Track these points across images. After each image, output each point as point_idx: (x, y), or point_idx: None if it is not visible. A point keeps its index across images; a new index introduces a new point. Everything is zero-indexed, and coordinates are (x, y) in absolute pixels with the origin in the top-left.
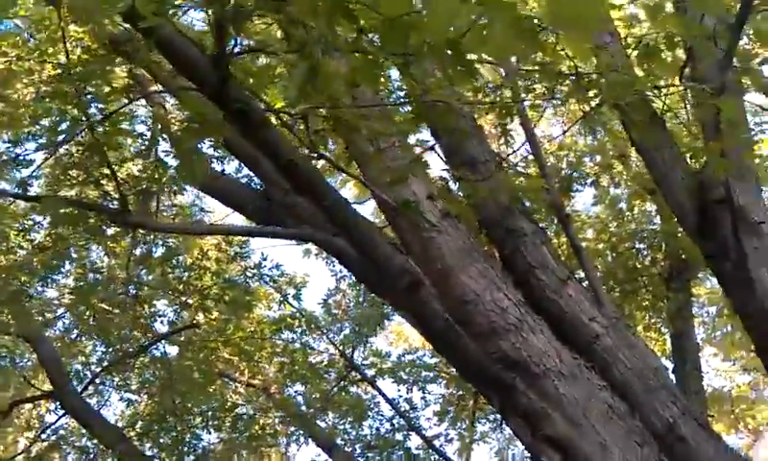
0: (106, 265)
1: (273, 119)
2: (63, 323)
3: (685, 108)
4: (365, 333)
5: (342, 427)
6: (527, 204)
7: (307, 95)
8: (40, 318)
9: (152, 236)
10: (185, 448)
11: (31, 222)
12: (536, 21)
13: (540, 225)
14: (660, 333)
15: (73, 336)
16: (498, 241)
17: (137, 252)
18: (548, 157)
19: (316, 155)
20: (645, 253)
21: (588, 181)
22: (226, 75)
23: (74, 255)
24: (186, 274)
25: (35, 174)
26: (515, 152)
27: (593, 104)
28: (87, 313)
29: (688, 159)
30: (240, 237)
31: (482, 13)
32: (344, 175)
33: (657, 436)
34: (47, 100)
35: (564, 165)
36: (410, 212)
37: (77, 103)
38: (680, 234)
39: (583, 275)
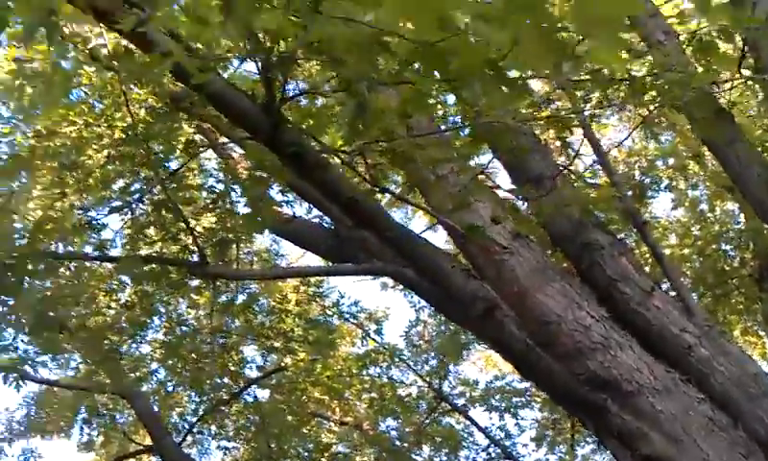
0: (192, 317)
1: (333, 158)
2: (157, 377)
3: (757, 98)
4: (450, 362)
5: (437, 460)
6: (600, 215)
7: (358, 132)
8: (134, 374)
9: (232, 285)
10: None
11: (117, 282)
12: (564, 30)
13: (619, 236)
14: (759, 337)
15: (169, 389)
16: (574, 257)
17: (221, 300)
18: (618, 165)
19: (378, 189)
20: (733, 254)
21: (663, 185)
22: (277, 120)
23: (161, 310)
24: (269, 318)
25: (114, 236)
26: (571, 162)
27: (652, 107)
28: (179, 365)
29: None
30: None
31: (507, 29)
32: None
33: (762, 445)
34: (117, 163)
35: (636, 171)
36: (476, 237)
37: (145, 162)
38: (767, 231)
39: (669, 284)
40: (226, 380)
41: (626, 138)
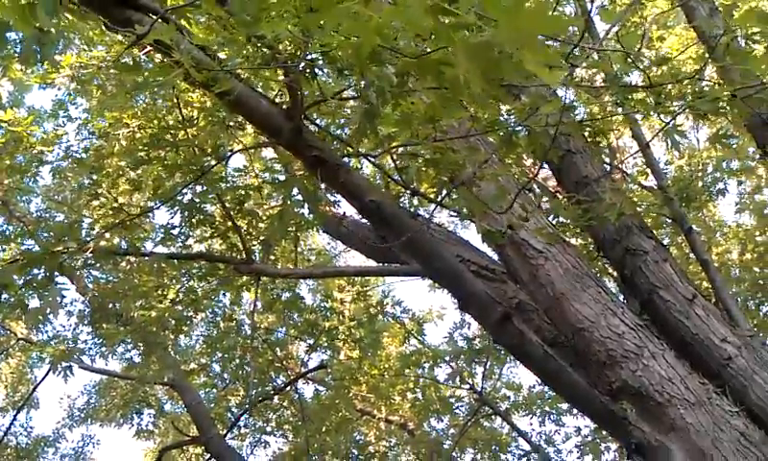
0: (238, 313)
1: (360, 162)
2: (208, 371)
3: None
4: (494, 365)
5: None
6: (647, 220)
7: (366, 136)
8: (183, 368)
9: (277, 282)
10: None
11: (166, 277)
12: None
13: (663, 242)
14: None
15: (216, 383)
16: (618, 262)
17: (266, 298)
18: (672, 169)
19: (408, 190)
20: None
21: (718, 188)
22: (299, 125)
23: (208, 306)
24: (313, 316)
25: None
26: (613, 166)
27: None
28: (226, 360)
29: None
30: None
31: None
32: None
33: None
34: (167, 162)
35: (696, 175)
36: (494, 240)
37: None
38: None
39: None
40: (271, 376)
41: (647, 143)
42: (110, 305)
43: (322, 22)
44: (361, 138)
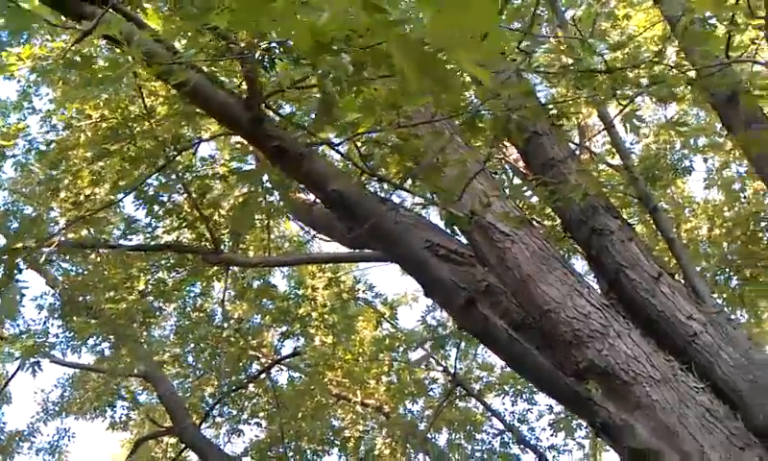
0: (213, 303)
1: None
2: (180, 362)
3: None
4: (468, 346)
5: (456, 443)
6: (615, 200)
7: (324, 124)
8: (156, 358)
9: (248, 271)
10: None
11: (135, 270)
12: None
13: (631, 221)
14: None
15: (189, 373)
16: (585, 242)
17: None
18: (639, 148)
19: (373, 177)
20: (765, 235)
21: (684, 166)
22: (259, 115)
23: (176, 297)
24: (285, 303)
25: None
26: (580, 146)
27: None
28: (199, 349)
29: None
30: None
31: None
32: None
33: (760, 435)
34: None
35: (661, 154)
36: (461, 226)
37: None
38: None
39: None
40: (244, 364)
41: (604, 129)
42: (80, 298)
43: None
44: (320, 127)
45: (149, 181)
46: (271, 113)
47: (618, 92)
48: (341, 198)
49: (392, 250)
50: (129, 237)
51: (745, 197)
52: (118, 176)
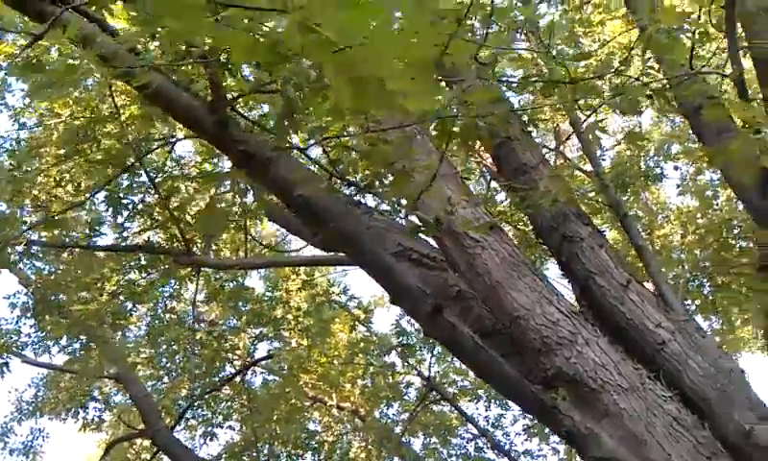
0: (188, 304)
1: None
2: (153, 363)
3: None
4: (443, 351)
5: (430, 448)
6: (587, 206)
7: (286, 129)
8: (130, 360)
9: (221, 273)
10: None
11: (106, 270)
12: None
13: (603, 227)
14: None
15: (161, 375)
16: (556, 249)
17: (208, 288)
18: (613, 153)
19: (342, 180)
20: (737, 242)
21: (655, 173)
22: (223, 119)
23: (147, 298)
24: (258, 306)
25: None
26: (555, 150)
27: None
28: (172, 351)
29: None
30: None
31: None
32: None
33: (731, 446)
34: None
35: (632, 161)
36: (429, 232)
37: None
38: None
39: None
40: (217, 367)
41: (572, 134)
42: (53, 297)
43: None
44: (283, 131)
45: (119, 181)
46: (238, 118)
47: (581, 102)
48: (306, 203)
49: (358, 257)
50: (97, 238)
51: (718, 204)
52: (86, 176)
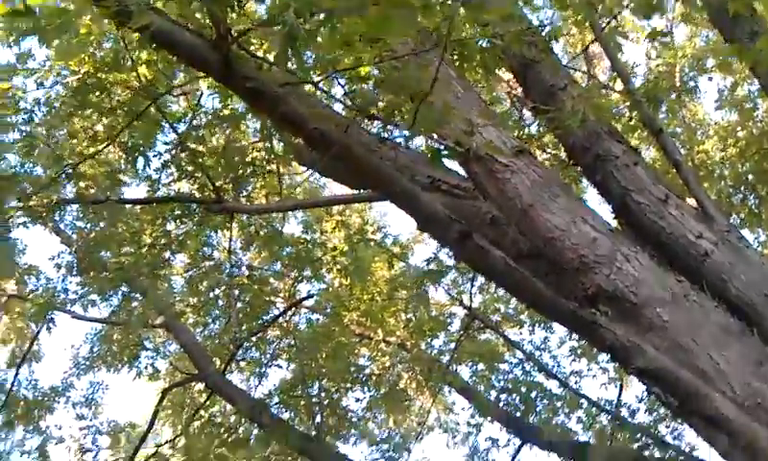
0: (223, 252)
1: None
2: (197, 311)
3: None
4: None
5: (479, 375)
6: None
7: (287, 60)
8: (175, 309)
9: (254, 218)
10: (324, 412)
11: (140, 223)
12: None
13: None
14: None
15: (207, 322)
16: (589, 169)
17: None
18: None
19: (361, 114)
20: None
21: (689, 87)
22: (228, 56)
23: (198, 246)
24: (296, 248)
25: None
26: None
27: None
28: (211, 300)
29: None
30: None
31: None
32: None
33: None
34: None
35: (663, 76)
36: (451, 157)
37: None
38: None
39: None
40: (260, 310)
41: (582, 51)
42: (94, 253)
43: None
44: (283, 61)
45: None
46: (245, 55)
47: (600, 8)
48: (323, 137)
49: (383, 188)
50: (124, 188)
51: (758, 115)
52: (105, 130)
